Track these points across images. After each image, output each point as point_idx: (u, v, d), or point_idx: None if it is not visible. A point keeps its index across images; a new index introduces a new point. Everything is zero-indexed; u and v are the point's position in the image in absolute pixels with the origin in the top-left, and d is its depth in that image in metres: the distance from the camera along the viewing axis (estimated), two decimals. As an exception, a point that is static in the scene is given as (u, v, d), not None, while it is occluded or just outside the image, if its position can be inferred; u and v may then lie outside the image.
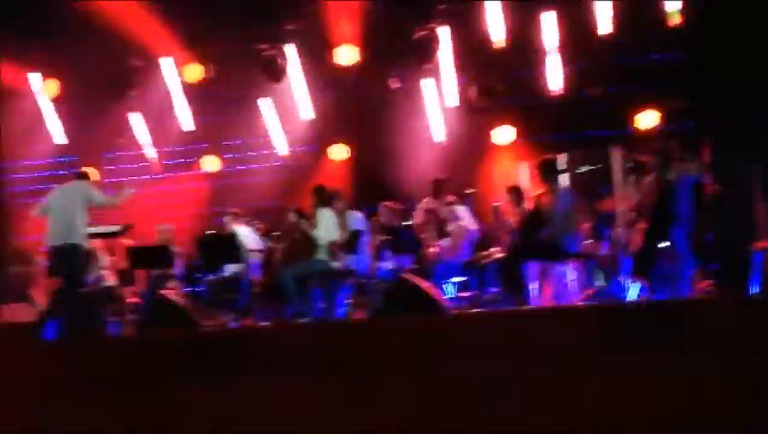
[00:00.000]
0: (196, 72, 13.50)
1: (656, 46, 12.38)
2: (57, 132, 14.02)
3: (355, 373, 6.25)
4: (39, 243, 10.16)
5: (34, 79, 13.76)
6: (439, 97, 13.17)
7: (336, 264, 9.43)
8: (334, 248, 9.46)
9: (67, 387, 6.55)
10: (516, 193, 10.14)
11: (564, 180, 9.38)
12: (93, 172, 9.80)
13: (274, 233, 10.62)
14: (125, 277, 11.22)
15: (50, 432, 6.22)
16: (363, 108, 13.50)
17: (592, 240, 9.48)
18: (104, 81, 13.46)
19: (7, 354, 7.00)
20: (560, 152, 9.67)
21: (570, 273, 8.74)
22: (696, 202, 8.53)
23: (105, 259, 11.23)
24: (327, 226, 9.43)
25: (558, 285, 8.69)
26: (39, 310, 9.10)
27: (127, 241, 11.07)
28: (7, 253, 12.52)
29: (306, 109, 13.56)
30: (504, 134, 13.12)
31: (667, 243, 8.56)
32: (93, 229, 10.31)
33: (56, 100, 13.88)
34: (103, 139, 13.89)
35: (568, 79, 12.60)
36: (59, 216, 9.22)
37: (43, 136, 13.93)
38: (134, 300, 10.65)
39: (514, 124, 13.07)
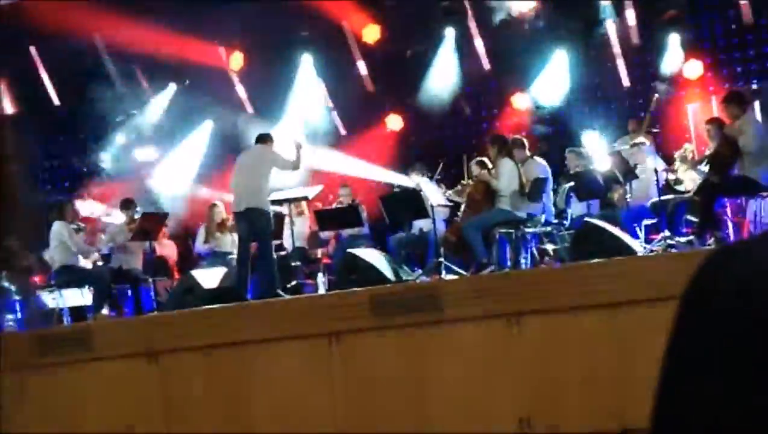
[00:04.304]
0: (373, 32, 13.64)
1: None
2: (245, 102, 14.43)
3: (547, 320, 6.23)
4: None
5: (221, 52, 14.22)
6: (621, 36, 12.77)
7: (520, 213, 9.36)
8: (517, 197, 9.40)
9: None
10: (714, 125, 9.61)
11: (757, 111, 8.92)
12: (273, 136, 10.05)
13: (457, 187, 10.65)
14: (316, 239, 11.55)
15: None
16: (542, 54, 13.27)
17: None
18: (286, 48, 13.81)
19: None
20: (752, 82, 9.18)
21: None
22: None
23: (298, 222, 11.58)
24: (508, 176, 9.37)
25: (755, 221, 8.32)
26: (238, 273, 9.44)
27: (315, 204, 11.38)
28: None
29: (485, 59, 13.45)
30: (692, 68, 12.54)
31: None
32: (284, 194, 10.65)
33: (241, 72, 14.28)
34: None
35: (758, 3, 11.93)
36: (244, 181, 9.50)
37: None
38: (326, 260, 10.95)
39: (702, 57, 12.47)
